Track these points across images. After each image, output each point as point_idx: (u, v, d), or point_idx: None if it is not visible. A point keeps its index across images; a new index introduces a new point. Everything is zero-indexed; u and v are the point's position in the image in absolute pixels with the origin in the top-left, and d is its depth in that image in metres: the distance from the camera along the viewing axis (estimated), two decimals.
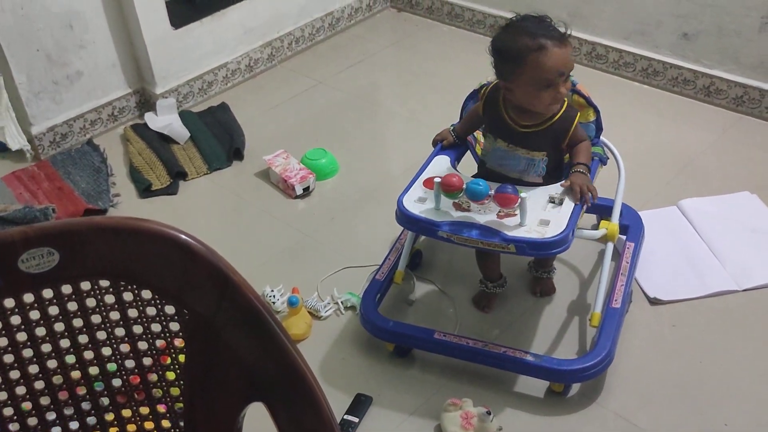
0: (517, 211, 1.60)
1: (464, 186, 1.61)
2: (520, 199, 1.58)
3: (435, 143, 1.89)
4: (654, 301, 1.96)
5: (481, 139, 1.89)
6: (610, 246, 1.83)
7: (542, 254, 1.63)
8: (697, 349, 1.84)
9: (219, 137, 2.64)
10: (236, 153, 2.57)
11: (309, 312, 1.95)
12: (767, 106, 2.55)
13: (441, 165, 1.82)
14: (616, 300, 1.83)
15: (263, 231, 2.29)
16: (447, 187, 1.62)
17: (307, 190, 2.39)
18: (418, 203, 1.69)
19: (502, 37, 1.66)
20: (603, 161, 1.85)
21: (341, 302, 1.98)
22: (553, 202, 1.65)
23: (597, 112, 1.84)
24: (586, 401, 1.73)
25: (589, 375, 1.69)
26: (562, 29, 1.64)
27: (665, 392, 1.74)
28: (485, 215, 1.64)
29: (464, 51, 3.12)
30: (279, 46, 3.08)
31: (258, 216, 2.35)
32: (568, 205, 1.65)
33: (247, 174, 2.51)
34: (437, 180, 1.63)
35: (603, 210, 1.95)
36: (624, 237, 2.03)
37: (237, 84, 2.98)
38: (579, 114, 1.75)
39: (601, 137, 1.88)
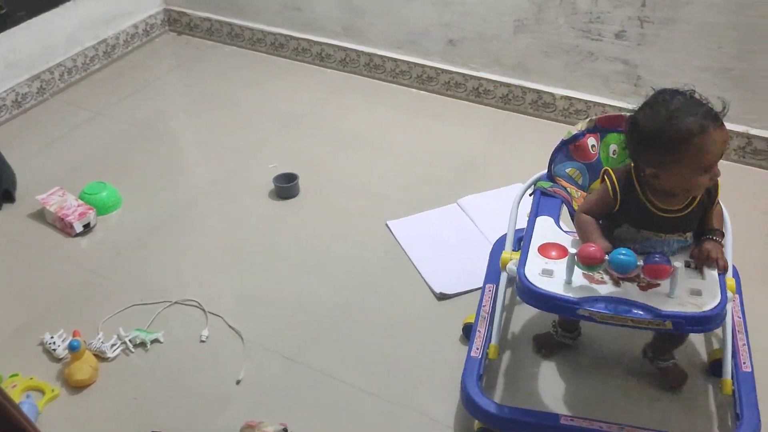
0: (662, 282, 1.45)
1: (606, 258, 1.43)
2: (672, 270, 1.42)
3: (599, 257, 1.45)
4: (441, 297, 2.04)
5: (576, 195, 1.69)
6: (730, 305, 1.64)
7: (701, 330, 1.48)
8: None
9: None
10: (6, 195, 2.40)
11: (94, 354, 1.86)
12: (530, 102, 2.75)
13: (547, 228, 1.63)
14: (744, 363, 1.68)
15: (42, 275, 2.15)
16: (587, 260, 1.42)
17: (88, 227, 2.28)
18: (545, 277, 1.49)
19: (654, 119, 1.43)
20: None
21: (129, 340, 1.90)
22: (689, 267, 1.52)
23: None
24: None
25: None
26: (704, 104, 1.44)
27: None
28: (625, 287, 1.46)
29: (248, 70, 3.11)
30: (49, 79, 2.92)
31: (36, 259, 2.21)
32: (710, 272, 1.49)
33: (21, 216, 2.36)
34: (572, 251, 1.45)
35: None
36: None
37: (4, 122, 2.79)
38: None
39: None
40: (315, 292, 2.08)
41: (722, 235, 1.54)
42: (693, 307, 1.42)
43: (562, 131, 2.69)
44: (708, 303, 1.42)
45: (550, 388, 1.79)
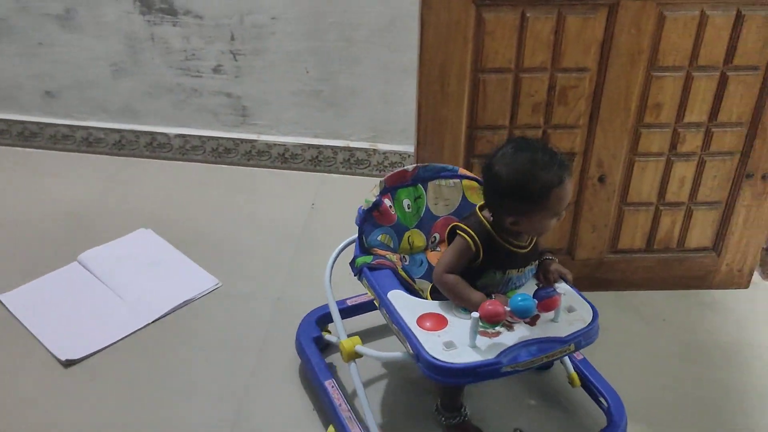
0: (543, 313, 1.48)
1: (507, 308, 1.42)
2: (560, 297, 1.47)
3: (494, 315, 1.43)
4: (68, 363, 1.90)
5: (394, 259, 1.66)
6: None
7: (592, 341, 1.52)
8: (107, 397, 1.84)
9: None
10: None
11: None
12: (145, 145, 2.69)
13: (405, 301, 1.54)
14: (577, 353, 1.79)
15: None
16: (494, 317, 1.40)
17: None
18: (450, 350, 1.42)
19: (515, 174, 1.46)
20: None
21: None
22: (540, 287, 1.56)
23: None
24: None
25: (626, 424, 1.68)
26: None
27: None
28: (518, 330, 1.47)
29: None
30: None
31: None
32: (562, 286, 1.58)
33: None
34: (475, 315, 1.41)
35: None
36: None
37: None
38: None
39: None
40: None
41: (553, 253, 1.65)
42: (580, 323, 1.50)
43: (181, 169, 2.72)
44: (587, 315, 1.52)
45: None
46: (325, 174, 2.64)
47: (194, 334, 2.01)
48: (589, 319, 1.51)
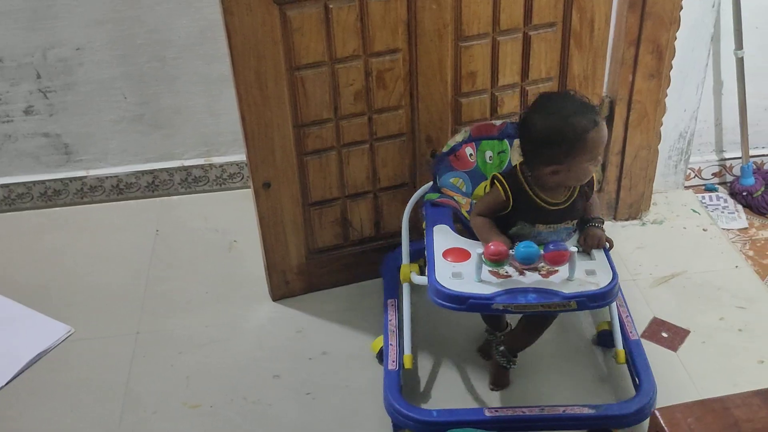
0: (560, 267, 1.55)
1: (511, 252, 1.51)
2: (570, 254, 1.52)
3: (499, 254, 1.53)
4: None
5: (462, 201, 1.78)
6: None
7: (601, 305, 1.59)
8: None
9: None
10: None
11: None
12: None
13: (445, 235, 1.71)
14: (631, 332, 1.88)
15: None
16: (494, 257, 1.51)
17: None
18: (455, 279, 1.56)
19: (550, 122, 1.56)
20: None
21: None
22: (578, 251, 1.59)
23: None
24: None
25: (648, 413, 1.68)
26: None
27: None
28: (529, 277, 1.56)
29: None
30: None
31: None
32: (597, 252, 1.64)
33: None
34: (479, 252, 1.53)
35: None
36: None
37: None
38: None
39: None
40: None
41: (603, 221, 1.71)
42: (592, 285, 1.55)
43: (10, 220, 2.55)
44: (603, 280, 1.57)
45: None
46: (165, 198, 2.57)
47: (54, 388, 1.92)
48: (604, 285, 1.56)
